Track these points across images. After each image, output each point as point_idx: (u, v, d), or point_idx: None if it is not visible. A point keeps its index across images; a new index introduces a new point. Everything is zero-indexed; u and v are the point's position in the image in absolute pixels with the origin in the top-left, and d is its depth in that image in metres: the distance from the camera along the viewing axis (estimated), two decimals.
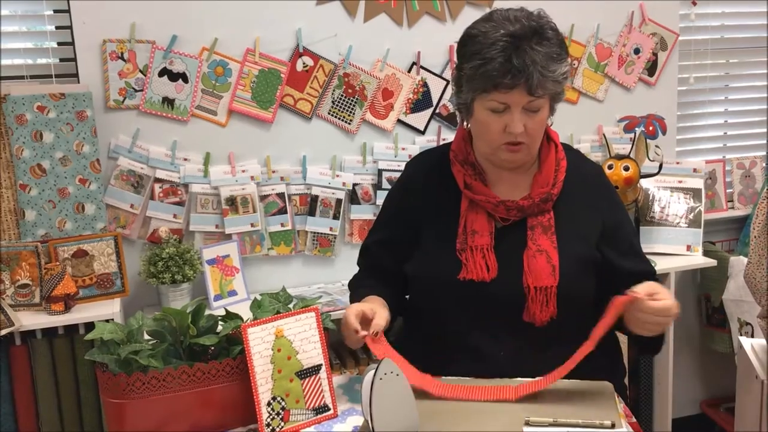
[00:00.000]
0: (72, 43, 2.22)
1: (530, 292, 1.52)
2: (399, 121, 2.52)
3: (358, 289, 1.69)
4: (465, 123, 1.62)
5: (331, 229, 2.47)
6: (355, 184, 2.48)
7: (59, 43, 2.28)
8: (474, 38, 1.50)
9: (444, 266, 1.56)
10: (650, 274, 1.64)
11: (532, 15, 1.50)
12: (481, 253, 1.55)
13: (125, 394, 1.29)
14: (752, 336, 2.53)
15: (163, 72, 2.28)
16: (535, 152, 1.59)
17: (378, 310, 1.49)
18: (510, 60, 1.43)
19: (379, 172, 2.49)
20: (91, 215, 2.19)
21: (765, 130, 3.07)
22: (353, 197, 2.49)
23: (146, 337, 1.41)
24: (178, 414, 1.33)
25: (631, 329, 1.46)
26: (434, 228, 1.62)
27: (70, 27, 2.21)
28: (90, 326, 1.94)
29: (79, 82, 2.21)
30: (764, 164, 3.01)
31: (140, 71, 2.26)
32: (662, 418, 2.66)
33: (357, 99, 2.45)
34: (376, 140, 2.51)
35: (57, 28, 2.26)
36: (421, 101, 2.53)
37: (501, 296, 1.53)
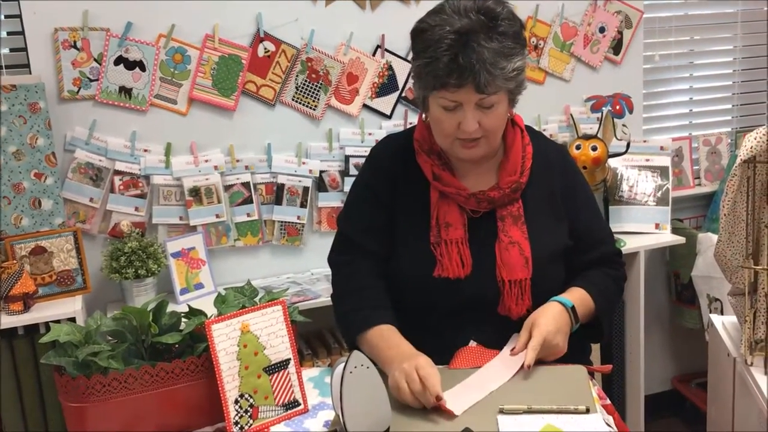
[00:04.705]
0: (22, 33, 2.14)
1: (505, 285, 1.50)
2: (365, 105, 2.47)
3: (361, 311, 1.52)
4: (424, 116, 1.58)
5: (298, 217, 2.43)
6: (322, 171, 2.44)
7: (9, 33, 2.19)
8: (422, 34, 1.44)
9: (418, 263, 1.53)
10: (604, 259, 1.64)
11: (485, 5, 1.42)
12: (456, 247, 1.51)
13: (85, 398, 1.25)
14: (721, 312, 2.55)
15: (119, 60, 2.20)
16: (495, 145, 1.54)
17: (431, 363, 1.38)
18: (456, 59, 1.38)
19: (346, 158, 2.45)
20: (49, 210, 2.12)
21: (730, 106, 3.08)
22: (320, 185, 2.45)
23: (108, 337, 1.36)
24: (142, 416, 1.29)
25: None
26: (405, 219, 1.58)
27: (19, 16, 2.13)
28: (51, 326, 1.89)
29: (30, 73, 2.13)
30: (730, 140, 3.02)
31: (95, 60, 2.18)
32: (634, 396, 2.68)
33: (321, 84, 2.41)
34: (342, 126, 2.46)
35: (6, 17, 2.18)
36: (387, 85, 2.49)
37: (476, 292, 1.51)
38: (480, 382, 1.40)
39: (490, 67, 1.38)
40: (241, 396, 1.31)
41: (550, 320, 1.46)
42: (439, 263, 1.51)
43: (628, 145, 2.54)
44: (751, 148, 1.41)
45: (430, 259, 1.52)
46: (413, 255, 1.54)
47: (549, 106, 2.70)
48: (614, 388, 2.69)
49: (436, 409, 1.32)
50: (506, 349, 1.48)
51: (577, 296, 1.54)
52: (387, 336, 1.48)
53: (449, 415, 1.30)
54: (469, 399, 1.35)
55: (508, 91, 1.46)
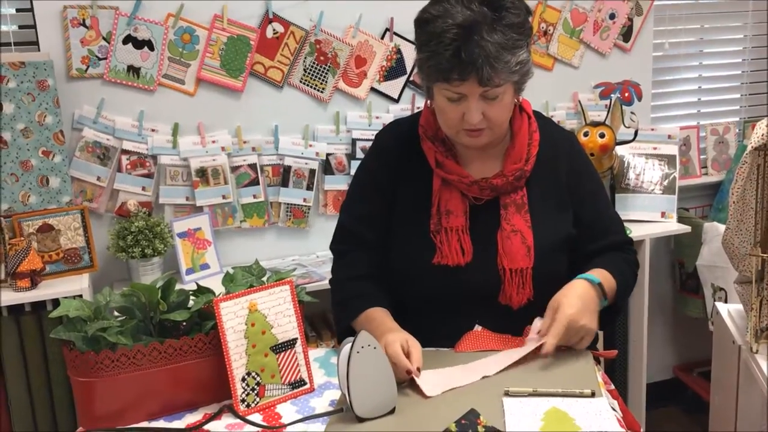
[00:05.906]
0: (31, 10, 2.13)
1: (506, 274, 1.49)
2: (372, 89, 2.47)
3: (354, 299, 1.55)
4: (429, 102, 1.56)
5: (304, 200, 2.43)
6: (328, 154, 2.44)
7: (18, 10, 2.18)
8: (425, 25, 1.42)
9: (418, 250, 1.52)
10: (615, 246, 1.62)
11: None
12: (456, 235, 1.50)
13: (94, 373, 1.25)
14: (725, 301, 2.55)
15: (128, 39, 2.20)
16: (501, 134, 1.52)
17: (411, 340, 1.40)
18: (458, 54, 1.35)
19: (353, 141, 2.45)
20: (56, 188, 2.12)
21: (738, 95, 3.07)
22: (327, 167, 2.45)
23: (116, 314, 1.36)
24: (150, 392, 1.30)
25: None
26: (406, 206, 1.57)
27: None
28: (58, 303, 1.89)
29: (39, 50, 2.13)
30: (737, 130, 3.01)
31: (103, 38, 2.18)
32: (636, 384, 2.68)
33: (329, 67, 2.40)
34: (350, 109, 2.46)
35: None
36: (395, 68, 2.48)
37: (476, 280, 1.50)
38: (476, 368, 1.40)
39: (493, 61, 1.35)
40: (248, 374, 1.32)
41: (574, 300, 1.41)
42: (439, 251, 1.50)
43: (635, 133, 2.53)
44: (762, 135, 1.41)
45: (430, 246, 1.51)
46: (413, 242, 1.54)
47: (557, 92, 2.69)
48: (616, 376, 2.70)
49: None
50: (531, 334, 1.47)
51: (602, 276, 1.50)
52: (372, 317, 1.49)
53: (422, 395, 1.32)
54: (451, 382, 1.35)
55: (513, 81, 1.44)
